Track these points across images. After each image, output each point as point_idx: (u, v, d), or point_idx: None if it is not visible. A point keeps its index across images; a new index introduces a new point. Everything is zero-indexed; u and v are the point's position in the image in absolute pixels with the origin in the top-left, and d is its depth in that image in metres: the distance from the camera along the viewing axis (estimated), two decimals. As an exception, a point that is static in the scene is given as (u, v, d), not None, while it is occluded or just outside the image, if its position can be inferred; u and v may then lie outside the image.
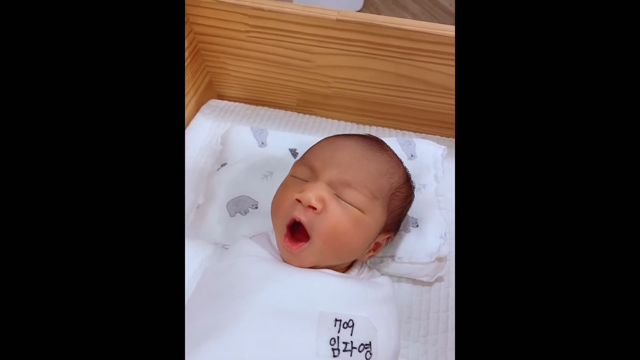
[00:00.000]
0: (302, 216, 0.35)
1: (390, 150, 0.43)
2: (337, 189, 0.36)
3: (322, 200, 0.35)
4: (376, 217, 0.37)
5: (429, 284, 0.48)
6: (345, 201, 0.36)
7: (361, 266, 0.42)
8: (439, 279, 0.48)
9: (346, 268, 0.40)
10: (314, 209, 0.34)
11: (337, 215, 0.35)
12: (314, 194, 0.34)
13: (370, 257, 0.42)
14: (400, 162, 0.43)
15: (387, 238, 0.42)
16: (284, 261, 0.37)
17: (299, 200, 0.35)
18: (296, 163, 0.41)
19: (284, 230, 0.36)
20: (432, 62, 0.53)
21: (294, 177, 0.39)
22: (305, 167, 0.38)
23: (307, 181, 0.37)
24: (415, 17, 1.37)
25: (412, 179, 0.44)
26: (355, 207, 0.36)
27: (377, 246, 0.41)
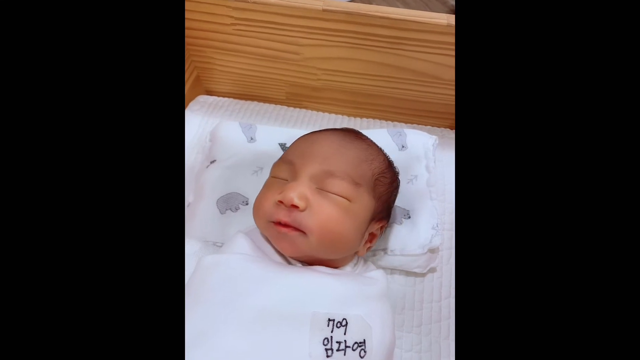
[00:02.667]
0: (287, 217, 0.34)
1: (368, 138, 0.43)
2: (320, 182, 0.36)
3: (304, 198, 0.34)
4: (364, 203, 0.37)
5: (422, 274, 0.48)
6: (330, 192, 0.35)
7: (357, 260, 0.41)
8: (432, 270, 0.48)
9: (342, 262, 0.40)
10: (297, 207, 0.34)
11: (325, 209, 0.34)
12: (295, 192, 0.34)
13: (368, 248, 0.41)
14: (379, 149, 0.43)
15: (381, 227, 0.42)
16: (280, 251, 0.37)
17: (281, 202, 0.34)
18: (275, 163, 0.41)
19: (271, 225, 0.36)
20: (421, 52, 0.52)
21: (275, 177, 0.39)
22: (284, 164, 0.38)
23: (287, 180, 0.37)
24: (407, 5, 1.35)
25: (396, 166, 0.44)
26: (341, 196, 0.35)
27: (372, 237, 0.41)
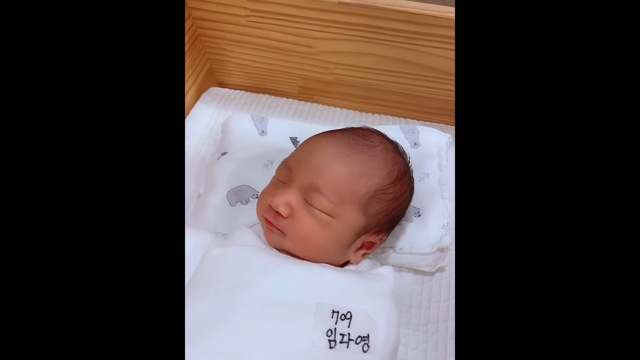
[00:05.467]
0: (272, 219, 0.37)
1: (378, 146, 0.39)
2: (306, 194, 0.36)
3: (289, 207, 0.36)
4: (348, 220, 0.36)
5: (430, 273, 0.48)
6: (313, 206, 0.36)
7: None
8: (440, 269, 0.48)
9: (344, 264, 0.40)
10: (281, 214, 0.36)
11: (303, 221, 0.36)
12: (281, 200, 0.36)
13: (364, 255, 0.40)
14: (388, 159, 0.39)
15: (381, 238, 0.40)
16: (266, 241, 0.39)
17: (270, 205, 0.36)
18: (281, 163, 0.41)
19: (263, 219, 0.39)
20: (437, 47, 0.51)
21: (277, 178, 0.40)
22: (285, 167, 0.39)
23: (284, 183, 0.39)
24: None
25: (411, 174, 0.42)
26: (323, 212, 0.36)
27: (370, 245, 0.40)
